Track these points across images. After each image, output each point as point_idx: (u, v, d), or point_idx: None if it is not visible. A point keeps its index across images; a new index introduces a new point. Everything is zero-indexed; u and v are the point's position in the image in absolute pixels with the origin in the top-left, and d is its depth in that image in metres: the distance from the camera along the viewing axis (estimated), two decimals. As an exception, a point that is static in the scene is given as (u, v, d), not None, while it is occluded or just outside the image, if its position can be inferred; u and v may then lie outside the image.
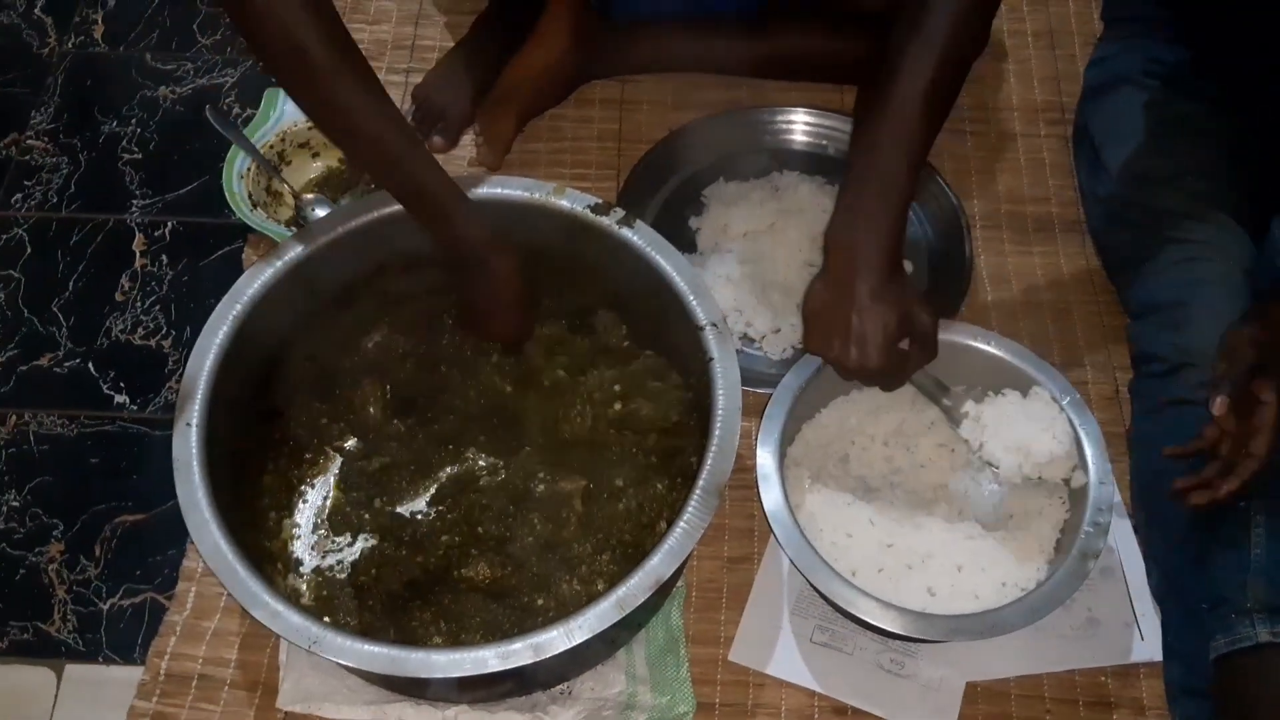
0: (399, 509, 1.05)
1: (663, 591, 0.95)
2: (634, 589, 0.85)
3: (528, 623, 0.95)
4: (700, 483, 0.90)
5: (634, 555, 0.98)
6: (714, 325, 0.96)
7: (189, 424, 0.94)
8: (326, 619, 0.96)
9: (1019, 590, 0.98)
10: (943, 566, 1.01)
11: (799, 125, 1.35)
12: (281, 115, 1.31)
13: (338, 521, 1.05)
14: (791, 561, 0.97)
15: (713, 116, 1.37)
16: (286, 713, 1.02)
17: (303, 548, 1.04)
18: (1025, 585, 0.99)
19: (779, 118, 1.36)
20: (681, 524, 0.88)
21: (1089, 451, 1.00)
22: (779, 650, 1.05)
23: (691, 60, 1.41)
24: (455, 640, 0.95)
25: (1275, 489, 0.98)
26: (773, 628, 1.06)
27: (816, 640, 1.05)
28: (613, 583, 0.87)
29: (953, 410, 1.04)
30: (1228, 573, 0.96)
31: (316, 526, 1.05)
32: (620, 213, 1.04)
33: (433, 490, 1.06)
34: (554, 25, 1.33)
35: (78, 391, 1.23)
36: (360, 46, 1.43)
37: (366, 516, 1.05)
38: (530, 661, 0.83)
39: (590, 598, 0.91)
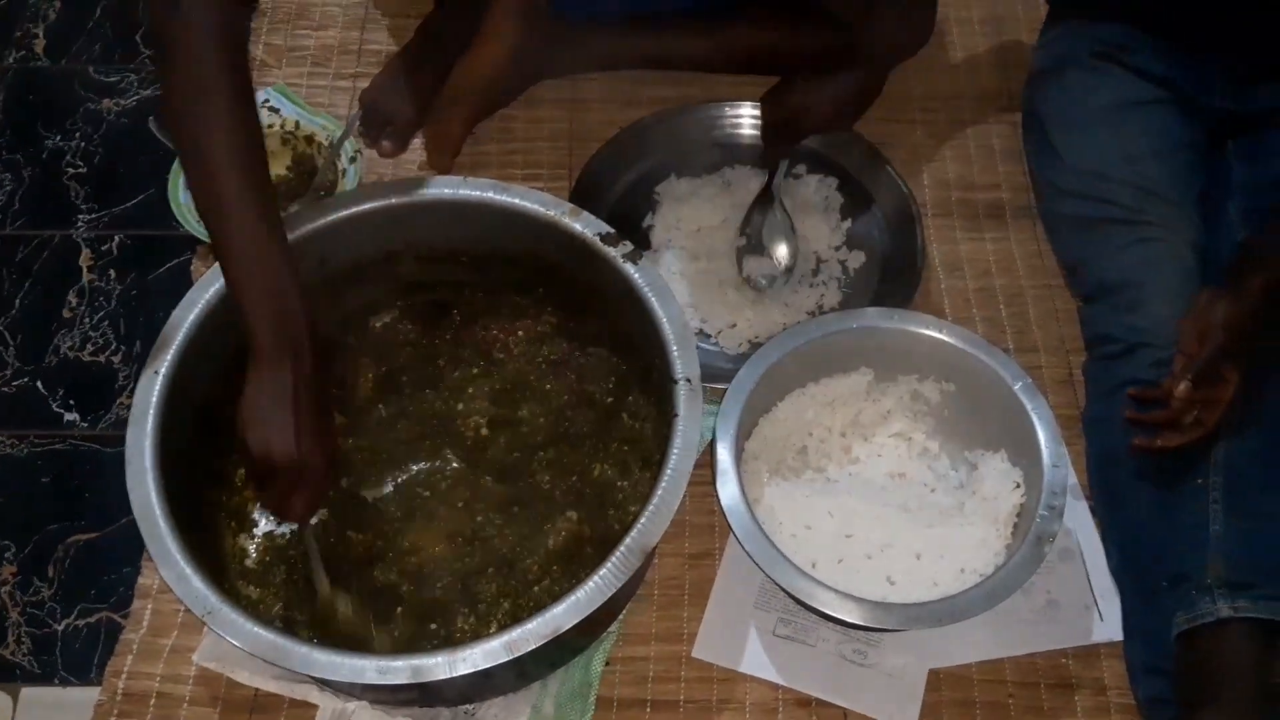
0: (362, 492, 1.05)
1: (584, 631, 0.96)
2: (527, 634, 0.84)
3: (421, 642, 0.95)
4: (627, 540, 0.88)
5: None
6: (688, 381, 0.96)
7: (156, 372, 0.95)
8: (254, 589, 0.98)
9: (977, 576, 0.99)
10: (901, 555, 1.01)
11: (748, 120, 1.35)
12: (227, 124, 1.29)
13: None
14: (750, 556, 0.96)
15: (663, 113, 1.36)
16: (201, 668, 1.02)
17: (261, 510, 1.05)
18: (983, 570, 0.99)
19: (729, 113, 1.35)
20: (594, 579, 0.86)
21: (1041, 435, 1.01)
22: (742, 645, 1.05)
23: (642, 57, 1.41)
24: (363, 635, 0.95)
25: (1230, 466, 0.99)
26: (736, 623, 1.06)
27: (779, 633, 1.05)
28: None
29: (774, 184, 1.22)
30: (1187, 550, 0.97)
31: None
32: (628, 246, 1.03)
33: (399, 481, 1.06)
34: (501, 25, 1.32)
35: (27, 410, 1.21)
36: (307, 53, 1.46)
37: (330, 493, 1.04)
38: (406, 682, 0.82)
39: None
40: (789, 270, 1.23)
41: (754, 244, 1.25)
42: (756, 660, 1.04)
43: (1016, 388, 1.03)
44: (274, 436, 0.83)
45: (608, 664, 1.03)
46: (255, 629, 0.84)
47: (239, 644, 0.83)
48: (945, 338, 1.07)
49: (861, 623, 0.95)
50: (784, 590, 0.98)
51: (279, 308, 0.84)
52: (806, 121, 1.22)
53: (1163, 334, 1.04)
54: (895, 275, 1.25)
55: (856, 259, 1.27)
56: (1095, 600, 1.06)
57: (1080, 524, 1.10)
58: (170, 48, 0.86)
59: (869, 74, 1.23)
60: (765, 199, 1.25)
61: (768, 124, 1.24)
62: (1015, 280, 1.28)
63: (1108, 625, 1.05)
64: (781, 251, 1.23)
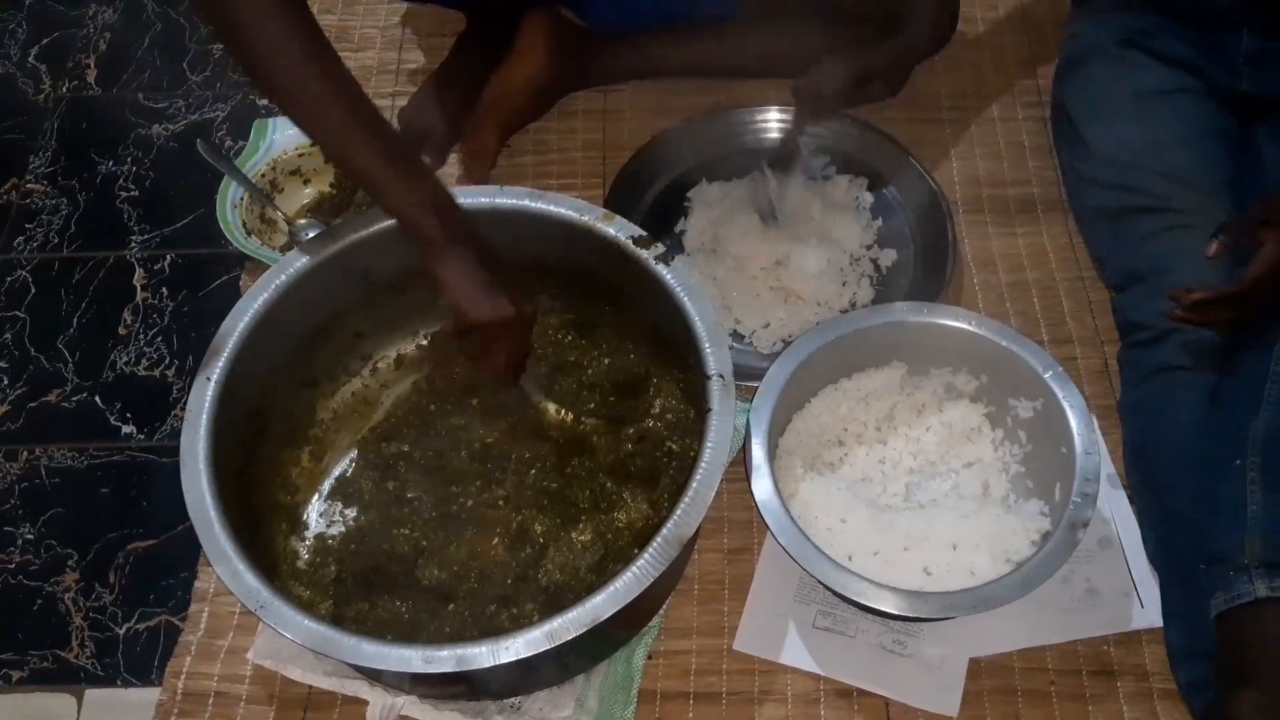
0: (408, 494, 1.08)
1: (626, 624, 0.98)
2: (568, 623, 0.85)
3: (468, 634, 0.97)
4: (664, 531, 0.89)
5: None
6: (720, 377, 0.97)
7: (209, 378, 0.98)
8: (305, 589, 1.01)
9: (1013, 565, 0.99)
10: (938, 545, 1.02)
11: (775, 123, 1.37)
12: (271, 145, 1.34)
13: (349, 494, 1.09)
14: (785, 550, 0.98)
15: (693, 120, 1.39)
16: (256, 668, 1.05)
17: (314, 513, 1.08)
18: (1020, 560, 1.00)
19: (758, 117, 1.38)
20: (633, 569, 0.87)
21: (1074, 422, 1.01)
22: (783, 637, 1.06)
23: (671, 66, 1.44)
24: (410, 631, 0.98)
25: (1268, 445, 0.99)
26: (775, 615, 1.07)
27: (819, 625, 1.06)
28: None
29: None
30: (1224, 531, 0.97)
31: (332, 494, 1.10)
32: (660, 248, 1.05)
33: (442, 481, 1.09)
34: (532, 41, 1.36)
35: (86, 424, 1.26)
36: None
37: (376, 495, 1.08)
38: (453, 670, 0.84)
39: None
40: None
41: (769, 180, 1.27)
42: (797, 652, 1.05)
43: (1047, 376, 1.04)
44: (475, 306, 0.95)
45: (650, 657, 1.05)
46: (306, 621, 0.86)
47: (291, 636, 0.86)
48: (975, 329, 1.08)
49: (898, 612, 0.96)
50: (820, 582, 0.99)
51: (435, 203, 0.95)
52: (828, 95, 1.24)
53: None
54: (928, 272, 1.26)
55: (888, 257, 1.28)
56: (1135, 587, 1.06)
57: (1119, 512, 1.10)
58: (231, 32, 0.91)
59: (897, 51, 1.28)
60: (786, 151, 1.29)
61: (796, 96, 1.26)
62: (1048, 274, 1.28)
63: (1148, 612, 1.05)
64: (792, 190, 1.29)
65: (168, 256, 1.39)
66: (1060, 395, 1.03)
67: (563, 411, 1.11)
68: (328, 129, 0.93)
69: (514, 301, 0.97)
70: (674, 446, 1.08)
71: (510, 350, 1.01)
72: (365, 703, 1.02)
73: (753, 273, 1.26)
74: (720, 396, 0.97)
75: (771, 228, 1.26)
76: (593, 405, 1.12)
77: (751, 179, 1.33)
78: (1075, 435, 1.01)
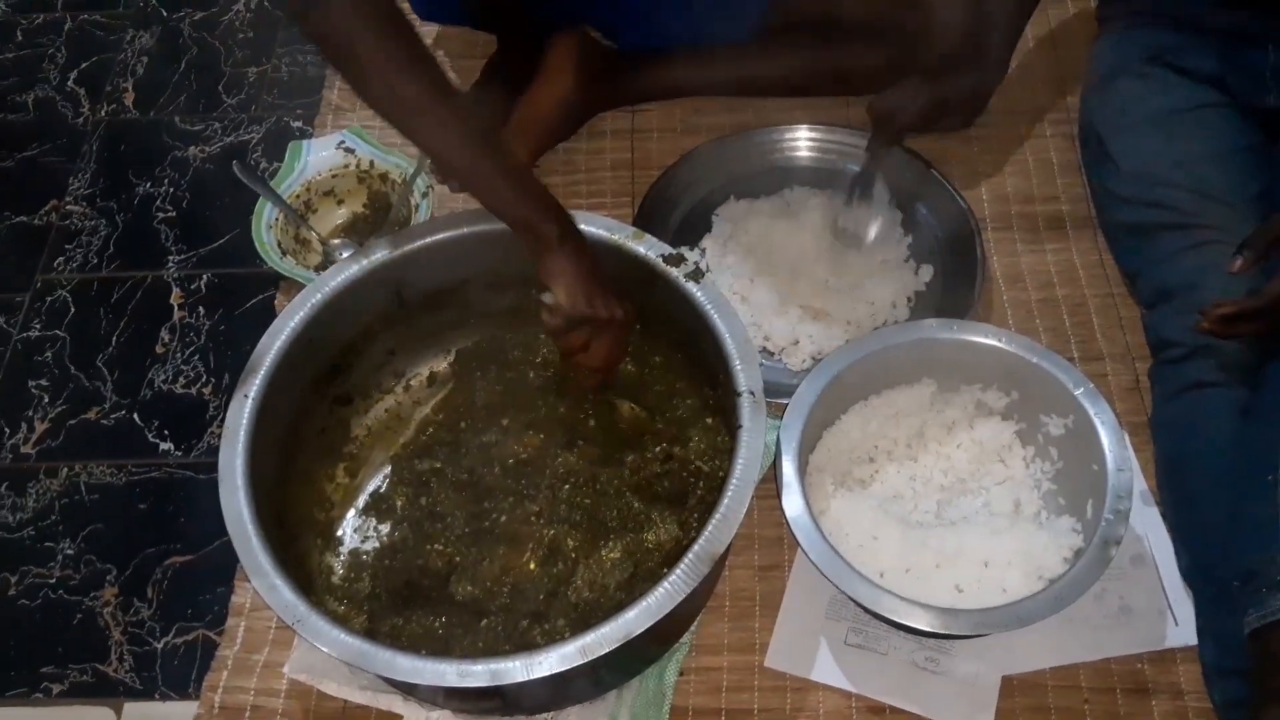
0: (438, 509, 1.09)
1: (658, 640, 0.99)
2: (600, 638, 0.86)
3: (501, 649, 0.98)
4: (695, 547, 0.90)
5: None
6: (751, 393, 0.98)
7: (246, 396, 1.00)
8: (340, 604, 1.02)
9: (1045, 582, 0.99)
10: (970, 563, 1.02)
11: (804, 142, 1.38)
12: (305, 166, 1.36)
13: (383, 510, 1.11)
14: (816, 566, 0.98)
15: (721, 139, 1.40)
16: (292, 682, 1.07)
17: (349, 529, 1.10)
18: (1052, 577, 1.00)
19: (785, 136, 1.39)
20: (665, 584, 0.88)
21: (1105, 440, 1.01)
22: (814, 654, 1.06)
23: (698, 86, 1.45)
24: (444, 646, 0.99)
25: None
26: (807, 632, 1.07)
27: (851, 642, 1.07)
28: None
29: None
30: (1256, 547, 0.96)
31: (367, 510, 1.11)
32: (690, 266, 1.07)
33: (471, 499, 1.10)
34: (560, 62, 1.38)
35: (125, 441, 1.28)
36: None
37: (409, 511, 1.09)
38: (487, 684, 0.85)
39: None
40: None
41: (852, 204, 1.29)
42: (829, 669, 1.05)
43: (1078, 393, 1.04)
44: (589, 300, 1.00)
45: (681, 674, 1.05)
46: (342, 635, 0.87)
47: (326, 649, 0.87)
48: (1005, 346, 1.08)
49: (930, 629, 0.96)
50: (851, 599, 0.99)
51: (548, 205, 1.01)
52: (905, 119, 1.24)
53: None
54: (957, 289, 1.26)
55: (921, 274, 1.29)
56: (1169, 605, 1.06)
57: (1152, 529, 1.10)
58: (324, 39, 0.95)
59: (975, 79, 1.27)
60: (867, 177, 1.29)
61: (872, 116, 1.25)
62: (1078, 290, 1.28)
63: (1182, 630, 1.04)
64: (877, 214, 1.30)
65: (204, 276, 1.41)
66: (1091, 412, 1.03)
67: (637, 409, 1.13)
68: (446, 142, 0.99)
69: (620, 304, 1.02)
70: (703, 466, 1.09)
71: (610, 348, 1.05)
72: (399, 717, 1.03)
73: (782, 290, 1.26)
74: (751, 413, 0.98)
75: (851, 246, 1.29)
76: (622, 419, 1.13)
77: (781, 197, 1.34)
78: (1107, 452, 1.00)
